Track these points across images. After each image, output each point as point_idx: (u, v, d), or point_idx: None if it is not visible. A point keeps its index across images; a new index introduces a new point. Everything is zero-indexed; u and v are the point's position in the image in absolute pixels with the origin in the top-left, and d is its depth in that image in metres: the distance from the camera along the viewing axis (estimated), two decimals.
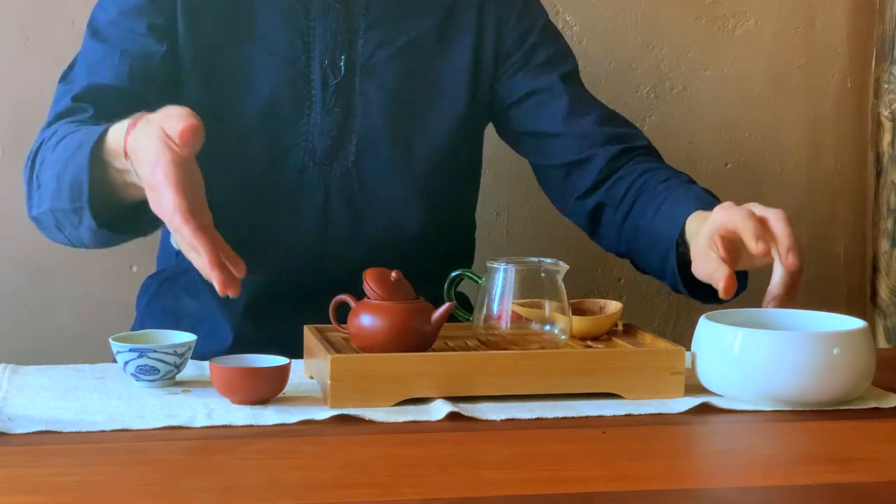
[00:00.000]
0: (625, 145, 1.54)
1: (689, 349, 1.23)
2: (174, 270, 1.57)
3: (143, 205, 1.17)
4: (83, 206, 1.25)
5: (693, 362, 1.22)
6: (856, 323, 1.22)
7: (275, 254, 1.48)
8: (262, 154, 1.47)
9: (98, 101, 1.41)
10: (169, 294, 1.57)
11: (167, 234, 1.59)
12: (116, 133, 1.21)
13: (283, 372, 1.16)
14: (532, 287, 1.24)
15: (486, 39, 1.55)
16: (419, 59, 1.52)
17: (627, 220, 1.49)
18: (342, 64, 1.48)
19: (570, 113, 1.55)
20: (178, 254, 1.53)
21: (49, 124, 1.41)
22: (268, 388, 1.15)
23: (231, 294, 1.10)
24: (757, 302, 1.29)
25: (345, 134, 1.49)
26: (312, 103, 1.48)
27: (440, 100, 1.53)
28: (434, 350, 1.24)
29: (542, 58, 1.57)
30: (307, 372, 1.28)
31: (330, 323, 1.26)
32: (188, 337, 1.25)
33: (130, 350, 1.21)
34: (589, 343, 1.30)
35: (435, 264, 1.42)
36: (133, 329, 1.60)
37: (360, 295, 1.22)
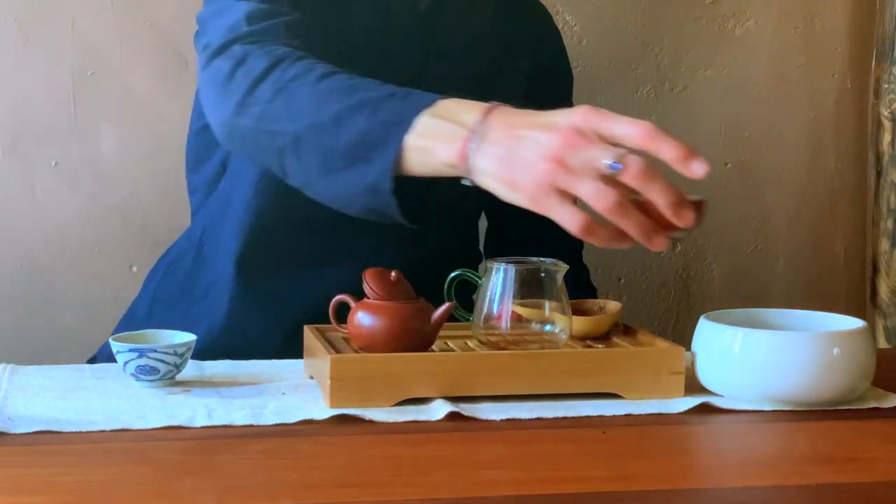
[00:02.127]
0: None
1: (689, 349, 1.23)
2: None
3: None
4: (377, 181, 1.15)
5: (693, 362, 1.22)
6: (856, 323, 1.22)
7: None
8: None
9: None
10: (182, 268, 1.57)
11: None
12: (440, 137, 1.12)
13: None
14: (532, 287, 1.24)
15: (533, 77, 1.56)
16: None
17: None
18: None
19: None
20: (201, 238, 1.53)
21: (250, 25, 1.31)
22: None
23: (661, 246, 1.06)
24: (757, 302, 1.29)
25: None
26: None
27: None
28: (434, 350, 1.24)
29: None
30: (307, 372, 1.28)
31: (329, 323, 1.26)
32: (188, 337, 1.25)
33: (130, 350, 1.21)
34: (589, 343, 1.30)
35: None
36: (135, 302, 1.60)
37: (358, 289, 1.22)
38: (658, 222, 1.05)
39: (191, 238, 1.57)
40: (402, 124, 1.13)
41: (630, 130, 1.04)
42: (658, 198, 1.03)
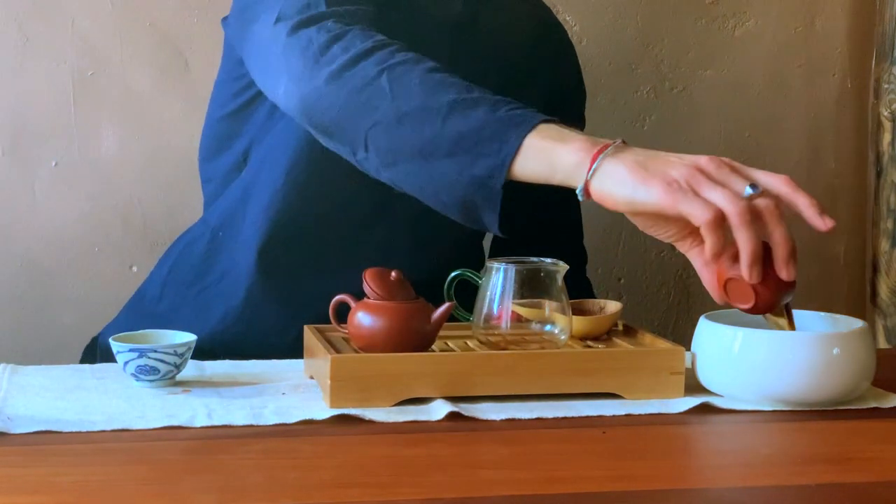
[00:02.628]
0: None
1: (689, 349, 1.23)
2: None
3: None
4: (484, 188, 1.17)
5: (693, 362, 1.22)
6: (856, 323, 1.22)
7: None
8: None
9: None
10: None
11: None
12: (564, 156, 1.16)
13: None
14: (532, 287, 1.24)
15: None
16: None
17: None
18: None
19: None
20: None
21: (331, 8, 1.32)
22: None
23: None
24: None
25: None
26: None
27: None
28: (434, 350, 1.24)
29: None
30: (307, 372, 1.28)
31: (329, 322, 1.26)
32: (188, 337, 1.25)
33: (130, 350, 1.21)
34: (589, 343, 1.30)
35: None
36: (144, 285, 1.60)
37: (358, 289, 1.22)
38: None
39: (207, 224, 1.56)
40: (524, 125, 1.16)
41: (770, 178, 1.12)
42: (778, 239, 1.10)
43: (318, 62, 1.25)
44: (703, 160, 1.12)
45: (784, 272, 1.11)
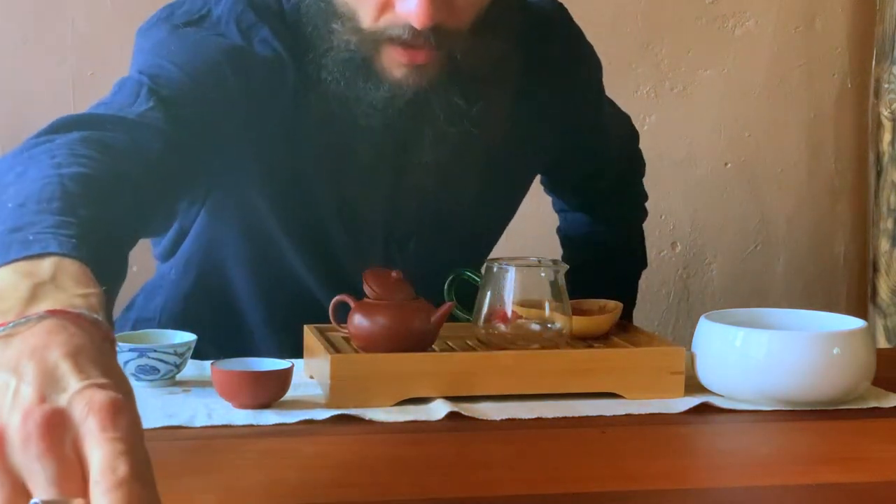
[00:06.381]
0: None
1: (689, 349, 1.23)
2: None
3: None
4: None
5: (693, 362, 1.22)
6: (856, 323, 1.22)
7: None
8: None
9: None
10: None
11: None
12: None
13: (285, 376, 1.16)
14: (532, 287, 1.24)
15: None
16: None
17: None
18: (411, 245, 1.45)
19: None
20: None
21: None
22: (270, 393, 1.15)
23: None
24: (758, 302, 1.29)
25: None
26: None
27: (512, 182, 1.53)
28: (434, 350, 1.24)
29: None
30: (307, 372, 1.28)
31: (330, 322, 1.26)
32: (188, 337, 1.25)
33: (130, 350, 1.21)
34: (589, 343, 1.30)
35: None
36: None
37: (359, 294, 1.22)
38: None
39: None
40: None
41: (104, 468, 0.67)
42: None
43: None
44: (18, 418, 0.67)
45: None
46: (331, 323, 1.26)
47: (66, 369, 0.70)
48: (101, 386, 0.69)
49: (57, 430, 0.67)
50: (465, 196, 1.42)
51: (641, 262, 1.75)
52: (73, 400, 0.68)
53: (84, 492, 0.66)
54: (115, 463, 0.67)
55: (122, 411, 0.68)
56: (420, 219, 1.43)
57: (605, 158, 1.63)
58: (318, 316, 1.30)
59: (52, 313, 0.74)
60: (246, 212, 1.40)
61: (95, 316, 0.76)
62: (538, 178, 1.67)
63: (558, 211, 1.74)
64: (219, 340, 1.39)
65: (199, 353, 1.27)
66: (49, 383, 0.69)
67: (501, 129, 1.40)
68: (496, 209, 1.52)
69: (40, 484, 0.66)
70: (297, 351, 1.31)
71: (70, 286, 0.79)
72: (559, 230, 1.74)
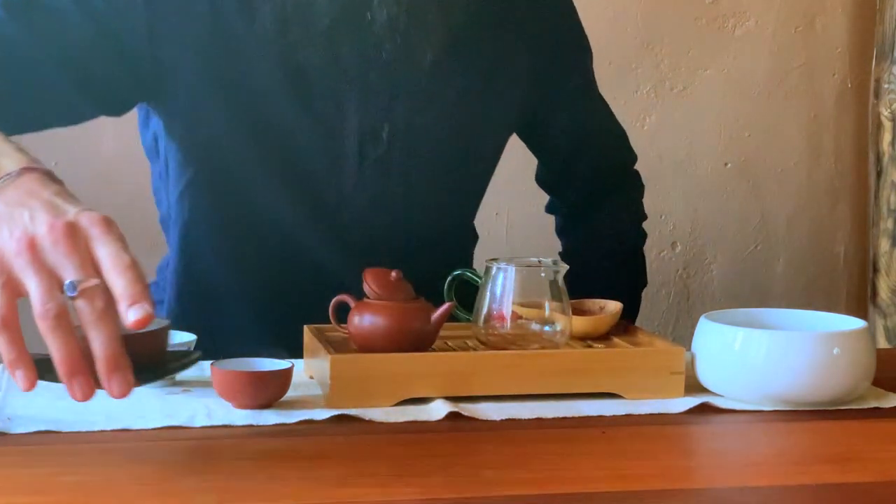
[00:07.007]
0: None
1: (689, 349, 1.23)
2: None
3: None
4: None
5: (693, 362, 1.22)
6: (856, 323, 1.22)
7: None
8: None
9: None
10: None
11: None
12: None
13: (285, 376, 1.16)
14: (532, 287, 1.24)
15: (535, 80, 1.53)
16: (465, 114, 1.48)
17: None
18: (384, 134, 1.44)
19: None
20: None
21: None
22: (270, 393, 1.15)
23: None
24: (758, 302, 1.29)
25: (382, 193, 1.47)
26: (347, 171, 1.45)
27: (482, 145, 1.53)
28: (434, 350, 1.24)
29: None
30: (307, 372, 1.28)
31: (330, 322, 1.26)
32: (188, 337, 1.25)
33: None
34: (589, 343, 1.30)
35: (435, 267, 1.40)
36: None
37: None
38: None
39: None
40: None
41: (111, 260, 0.91)
42: (96, 349, 0.91)
43: None
44: (44, 229, 0.91)
45: (108, 387, 0.92)
46: (331, 323, 1.26)
47: (59, 202, 0.94)
48: (89, 209, 0.94)
49: (75, 235, 0.91)
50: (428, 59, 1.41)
51: (641, 279, 1.74)
52: (76, 218, 0.92)
53: (97, 276, 0.90)
54: (120, 254, 0.91)
55: (112, 224, 0.93)
56: (392, 94, 1.42)
57: (592, 138, 1.63)
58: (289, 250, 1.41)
59: (27, 170, 0.98)
60: (201, 129, 1.42)
61: (51, 170, 1.00)
62: (534, 175, 1.67)
63: (552, 212, 1.73)
64: (213, 335, 1.40)
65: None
66: (54, 210, 0.93)
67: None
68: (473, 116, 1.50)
69: (69, 272, 0.90)
70: (296, 351, 1.31)
71: (12, 151, 1.02)
72: (557, 229, 1.74)
